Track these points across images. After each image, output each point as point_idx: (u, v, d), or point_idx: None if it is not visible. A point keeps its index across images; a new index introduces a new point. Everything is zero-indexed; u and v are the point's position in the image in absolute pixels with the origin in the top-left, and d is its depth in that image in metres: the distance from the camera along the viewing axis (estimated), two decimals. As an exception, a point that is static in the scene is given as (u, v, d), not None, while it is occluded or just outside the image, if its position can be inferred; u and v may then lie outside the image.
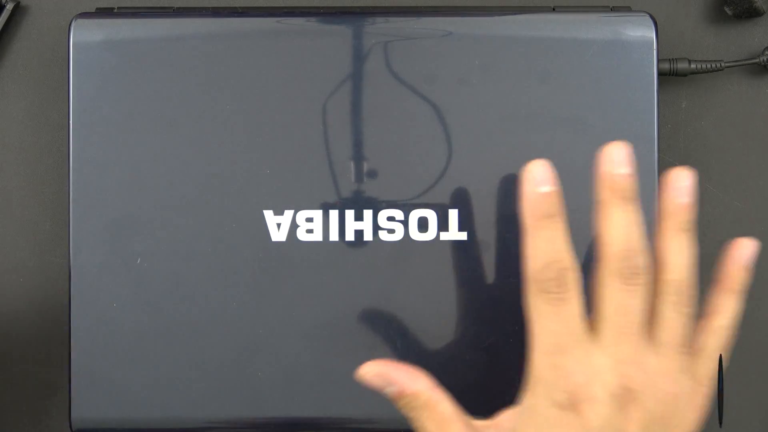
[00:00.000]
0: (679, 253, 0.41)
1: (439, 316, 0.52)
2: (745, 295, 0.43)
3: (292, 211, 0.51)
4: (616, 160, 0.41)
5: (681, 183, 0.41)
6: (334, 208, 0.51)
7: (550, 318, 0.40)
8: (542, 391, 0.40)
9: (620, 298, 0.40)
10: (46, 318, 0.57)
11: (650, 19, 0.52)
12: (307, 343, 0.51)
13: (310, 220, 0.51)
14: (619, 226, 0.40)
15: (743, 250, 0.42)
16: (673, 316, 0.41)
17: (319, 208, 0.51)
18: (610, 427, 0.39)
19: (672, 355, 0.41)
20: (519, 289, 0.46)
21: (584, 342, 0.40)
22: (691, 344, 0.42)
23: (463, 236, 0.51)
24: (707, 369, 0.42)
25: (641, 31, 0.52)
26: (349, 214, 0.51)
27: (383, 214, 0.51)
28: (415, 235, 0.51)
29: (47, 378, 0.57)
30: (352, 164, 0.51)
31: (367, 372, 0.42)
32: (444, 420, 0.42)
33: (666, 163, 0.57)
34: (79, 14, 0.52)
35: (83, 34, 0.51)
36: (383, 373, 0.42)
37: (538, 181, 0.40)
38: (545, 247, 0.40)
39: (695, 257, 0.41)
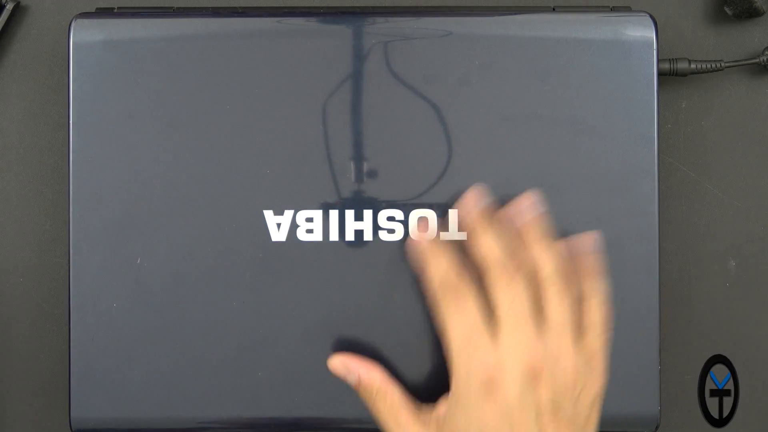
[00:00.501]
0: (543, 254, 0.49)
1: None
2: (604, 275, 0.51)
3: (292, 211, 0.51)
4: (475, 202, 0.50)
5: (524, 205, 0.50)
6: (334, 208, 0.51)
7: (456, 318, 0.48)
8: (463, 380, 0.48)
9: (508, 294, 0.48)
10: (46, 318, 0.57)
11: (650, 19, 0.52)
12: (307, 343, 0.51)
13: (310, 220, 0.51)
14: (489, 244, 0.49)
15: (586, 242, 0.51)
16: (556, 301, 0.48)
17: (319, 208, 0.51)
18: (524, 400, 0.46)
19: (564, 333, 0.48)
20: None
21: (489, 334, 0.48)
22: (578, 325, 0.49)
23: (463, 236, 0.51)
24: (595, 341, 0.49)
25: (641, 31, 0.52)
26: (349, 214, 0.51)
27: (383, 214, 0.51)
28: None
29: (47, 378, 0.57)
30: (352, 164, 0.51)
31: (333, 362, 0.51)
32: (394, 406, 0.50)
33: (666, 163, 0.57)
34: (79, 14, 0.52)
35: (83, 34, 0.51)
36: (346, 363, 0.50)
37: (425, 230, 0.51)
38: (439, 266, 0.49)
39: (557, 255, 0.49)
